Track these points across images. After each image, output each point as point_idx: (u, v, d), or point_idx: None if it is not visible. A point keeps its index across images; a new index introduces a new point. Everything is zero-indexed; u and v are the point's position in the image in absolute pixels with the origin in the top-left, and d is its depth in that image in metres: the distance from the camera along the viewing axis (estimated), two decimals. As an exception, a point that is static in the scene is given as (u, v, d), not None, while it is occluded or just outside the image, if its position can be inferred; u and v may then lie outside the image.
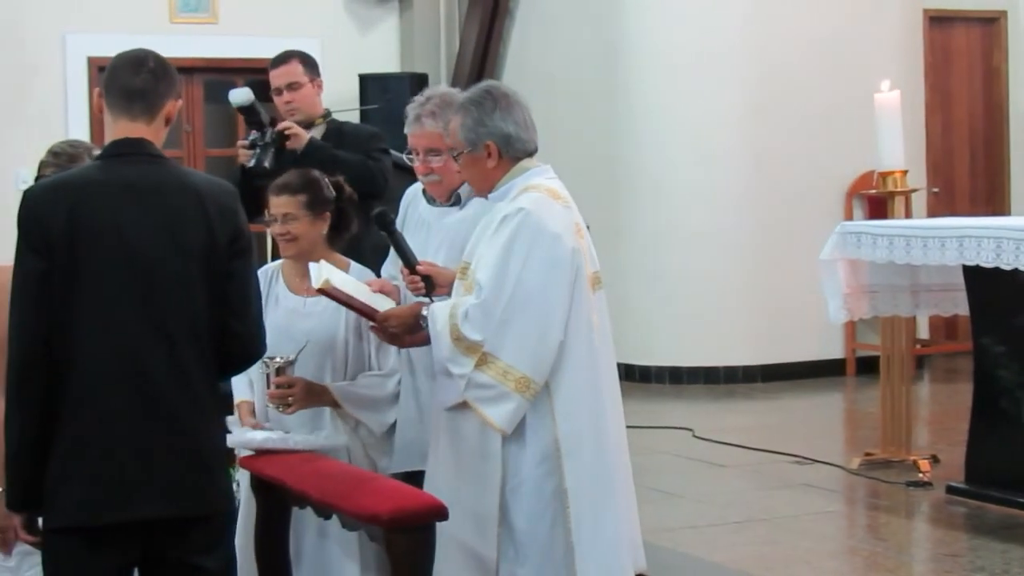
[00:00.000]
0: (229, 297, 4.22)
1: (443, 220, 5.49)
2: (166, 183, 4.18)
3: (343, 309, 5.32)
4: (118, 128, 4.22)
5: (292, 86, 7.19)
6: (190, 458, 4.14)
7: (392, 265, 5.58)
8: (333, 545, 5.46)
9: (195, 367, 4.16)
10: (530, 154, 5.04)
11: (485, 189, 5.03)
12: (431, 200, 5.54)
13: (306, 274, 5.29)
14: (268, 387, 5.30)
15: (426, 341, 4.96)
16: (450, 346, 4.77)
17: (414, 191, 5.66)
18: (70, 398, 4.06)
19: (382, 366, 5.50)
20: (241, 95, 7.08)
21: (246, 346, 4.33)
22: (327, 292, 5.03)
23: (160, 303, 4.10)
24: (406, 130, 5.46)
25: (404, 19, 12.52)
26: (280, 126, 7.04)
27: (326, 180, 5.57)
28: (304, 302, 5.49)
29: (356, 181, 6.09)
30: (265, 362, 5.10)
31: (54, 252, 4.04)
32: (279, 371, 5.26)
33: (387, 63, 12.35)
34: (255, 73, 12.24)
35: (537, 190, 4.95)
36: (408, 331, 4.98)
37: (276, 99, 7.27)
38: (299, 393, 5.26)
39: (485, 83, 5.22)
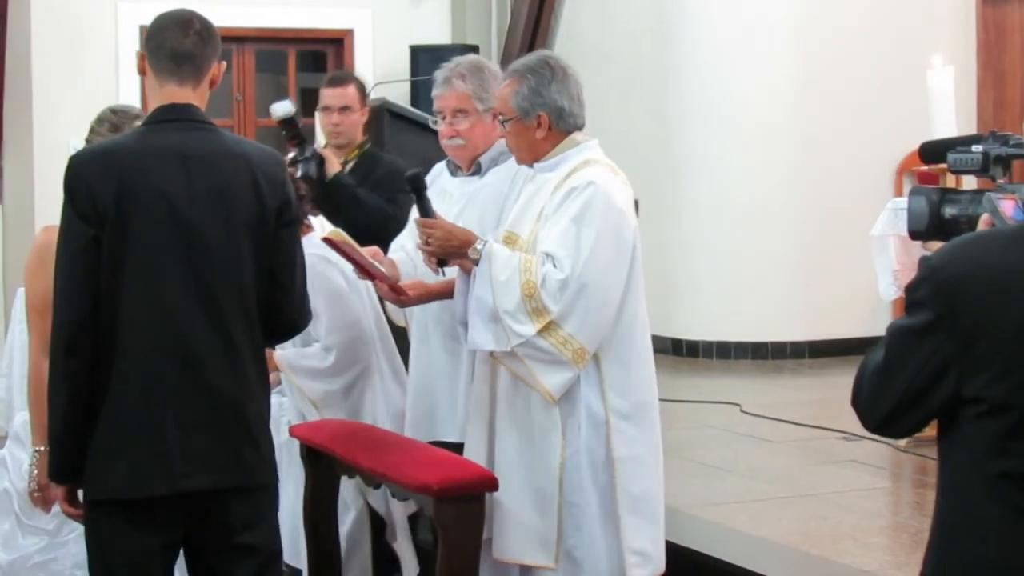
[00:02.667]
0: (276, 268, 4.21)
1: (463, 189, 5.50)
2: (215, 151, 4.16)
3: None
4: (165, 93, 4.19)
5: (345, 110, 7.15)
6: (234, 430, 4.14)
7: (407, 237, 5.60)
8: None
9: (241, 338, 4.15)
10: (578, 128, 5.04)
11: (528, 159, 5.02)
12: (453, 172, 5.55)
13: None
14: None
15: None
16: (518, 301, 4.74)
17: (439, 168, 5.67)
18: (115, 369, 4.06)
19: (322, 341, 5.68)
20: (283, 108, 7.03)
21: (292, 317, 4.33)
22: (333, 242, 5.06)
23: (207, 273, 4.09)
24: (434, 93, 5.46)
25: (455, -9, 12.54)
26: (320, 151, 7.05)
27: None
28: None
29: (369, 225, 6.13)
30: None
31: (102, 220, 4.02)
32: None
33: (438, 35, 12.35)
34: (306, 43, 12.31)
35: (598, 165, 4.94)
36: (449, 250, 4.91)
37: (324, 117, 7.20)
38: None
39: (542, 52, 5.23)
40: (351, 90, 7.18)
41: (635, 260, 4.92)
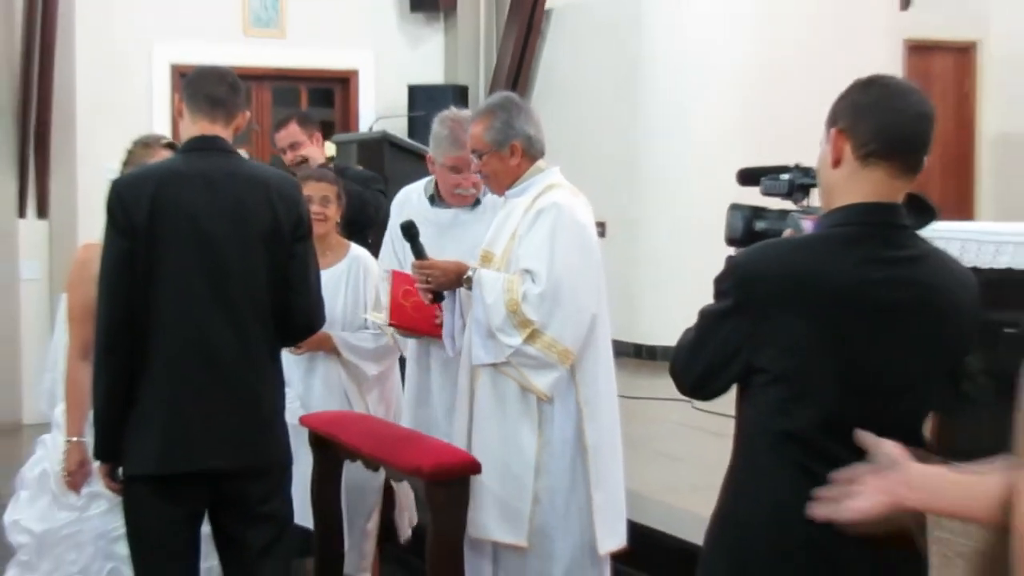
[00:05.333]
0: (291, 275, 4.25)
1: (461, 218, 5.49)
2: (237, 174, 4.22)
3: (343, 284, 5.70)
4: (198, 128, 4.26)
5: (294, 146, 7.20)
6: (250, 417, 4.19)
7: (387, 259, 5.63)
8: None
9: (258, 337, 4.20)
10: (542, 155, 5.06)
11: (505, 185, 5.05)
12: (433, 201, 5.52)
13: (320, 250, 5.39)
14: None
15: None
16: (504, 317, 4.78)
17: (404, 195, 5.65)
18: (148, 363, 4.10)
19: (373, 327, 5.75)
20: None
21: (307, 318, 4.37)
22: (400, 326, 5.33)
23: (227, 279, 4.13)
24: (449, 153, 5.37)
25: (449, 36, 12.51)
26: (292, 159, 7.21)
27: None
28: None
29: (349, 208, 6.15)
30: None
31: (137, 234, 4.07)
32: None
33: (433, 75, 12.34)
34: (316, 81, 12.30)
35: (560, 188, 4.99)
36: (446, 284, 4.98)
37: (284, 157, 7.26)
38: (322, 335, 5.36)
39: (503, 92, 5.27)
40: (292, 128, 7.25)
41: (600, 268, 4.97)
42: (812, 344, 2.90)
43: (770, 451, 2.97)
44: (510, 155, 4.97)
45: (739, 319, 2.96)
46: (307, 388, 5.76)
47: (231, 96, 4.30)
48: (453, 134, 5.37)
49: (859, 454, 2.82)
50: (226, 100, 4.28)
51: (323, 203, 5.72)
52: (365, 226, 6.84)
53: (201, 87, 4.29)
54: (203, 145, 4.24)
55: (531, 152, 5.00)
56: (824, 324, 2.90)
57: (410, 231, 5.10)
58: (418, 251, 5.08)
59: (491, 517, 4.92)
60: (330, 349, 5.69)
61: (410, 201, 5.58)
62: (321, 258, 5.42)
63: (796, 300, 2.91)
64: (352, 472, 5.46)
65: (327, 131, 7.40)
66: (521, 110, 5.02)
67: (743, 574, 3.01)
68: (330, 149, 8.02)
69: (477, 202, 5.50)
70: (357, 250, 5.88)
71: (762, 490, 2.98)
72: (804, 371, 2.92)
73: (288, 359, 5.60)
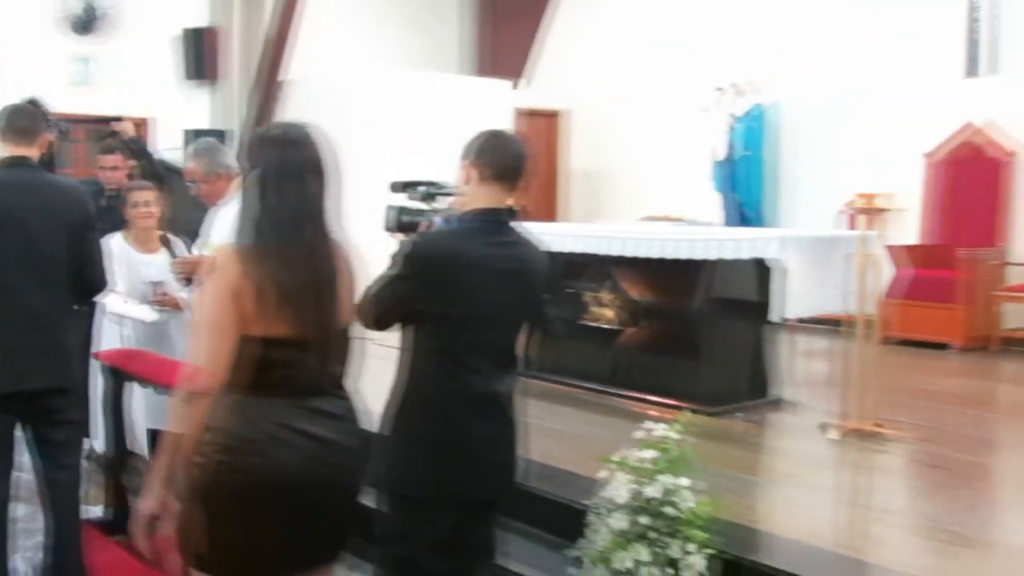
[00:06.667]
0: (83, 254, 4.16)
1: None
2: (43, 183, 4.12)
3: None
4: (8, 149, 4.12)
5: (115, 168, 6.58)
6: (57, 352, 4.08)
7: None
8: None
9: (60, 296, 4.11)
10: (238, 175, 5.04)
11: (219, 198, 5.03)
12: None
13: (148, 240, 5.53)
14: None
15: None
16: None
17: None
18: None
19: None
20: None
21: (95, 284, 4.29)
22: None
23: (38, 257, 4.03)
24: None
25: (214, 97, 12.22)
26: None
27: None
28: (148, 258, 5.60)
29: (153, 168, 6.02)
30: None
31: None
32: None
33: (202, 123, 12.04)
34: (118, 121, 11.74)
35: None
36: (197, 271, 4.83)
37: (106, 174, 6.58)
38: (170, 296, 5.39)
39: (206, 139, 5.25)
40: (117, 156, 6.67)
41: None
42: (458, 295, 3.03)
43: (428, 363, 3.07)
44: (216, 179, 4.98)
45: (411, 281, 3.03)
46: (163, 335, 5.59)
47: (33, 124, 4.15)
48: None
49: (484, 362, 3.03)
50: (30, 128, 4.13)
51: (147, 204, 5.60)
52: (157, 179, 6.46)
53: (10, 121, 4.13)
54: (17, 162, 4.10)
55: (230, 174, 5.01)
56: (465, 282, 3.03)
57: (167, 242, 5.28)
58: (173, 254, 5.16)
59: None
60: (175, 303, 5.53)
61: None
62: (148, 244, 5.55)
63: (449, 268, 3.03)
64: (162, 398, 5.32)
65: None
66: (219, 149, 5.05)
67: (420, 442, 3.10)
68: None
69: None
70: (174, 238, 5.75)
71: (422, 386, 3.09)
72: (453, 311, 3.04)
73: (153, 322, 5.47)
